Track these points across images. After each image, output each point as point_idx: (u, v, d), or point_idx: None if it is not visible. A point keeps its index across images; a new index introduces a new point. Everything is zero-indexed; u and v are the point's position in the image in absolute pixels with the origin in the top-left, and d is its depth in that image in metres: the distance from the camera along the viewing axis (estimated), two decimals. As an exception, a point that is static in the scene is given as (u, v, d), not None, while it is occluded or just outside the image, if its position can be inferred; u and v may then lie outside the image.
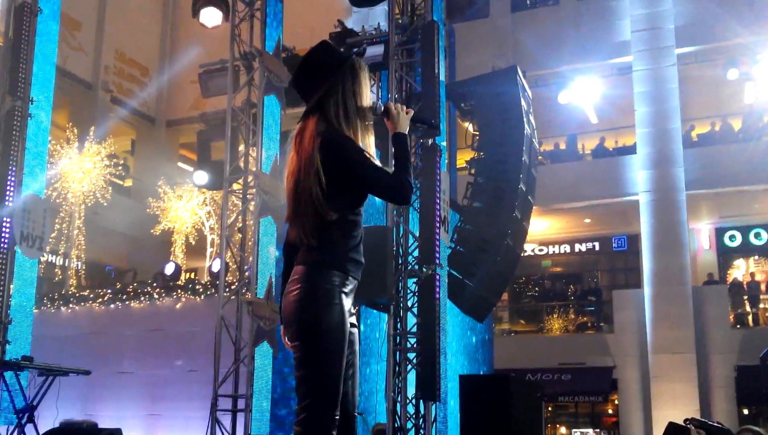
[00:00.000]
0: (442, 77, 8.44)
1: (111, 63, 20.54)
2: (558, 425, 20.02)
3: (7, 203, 7.91)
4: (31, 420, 6.94)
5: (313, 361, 2.68)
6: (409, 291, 8.31)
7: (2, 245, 7.78)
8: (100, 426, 8.20)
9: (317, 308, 2.69)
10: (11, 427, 7.32)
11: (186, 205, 17.03)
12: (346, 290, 2.77)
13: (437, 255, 8.05)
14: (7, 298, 7.73)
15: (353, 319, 2.89)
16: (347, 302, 2.78)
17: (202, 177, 9.89)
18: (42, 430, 6.57)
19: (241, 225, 9.37)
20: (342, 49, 3.05)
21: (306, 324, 2.69)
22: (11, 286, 7.80)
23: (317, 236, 2.77)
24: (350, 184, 2.78)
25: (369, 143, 2.92)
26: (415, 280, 8.28)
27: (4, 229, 7.85)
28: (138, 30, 21.39)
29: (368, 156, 2.81)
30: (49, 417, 7.72)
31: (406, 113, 2.93)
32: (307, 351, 2.69)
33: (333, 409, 2.68)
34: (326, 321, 2.68)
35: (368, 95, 2.92)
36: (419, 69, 8.53)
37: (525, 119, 9.85)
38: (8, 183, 7.97)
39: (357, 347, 2.92)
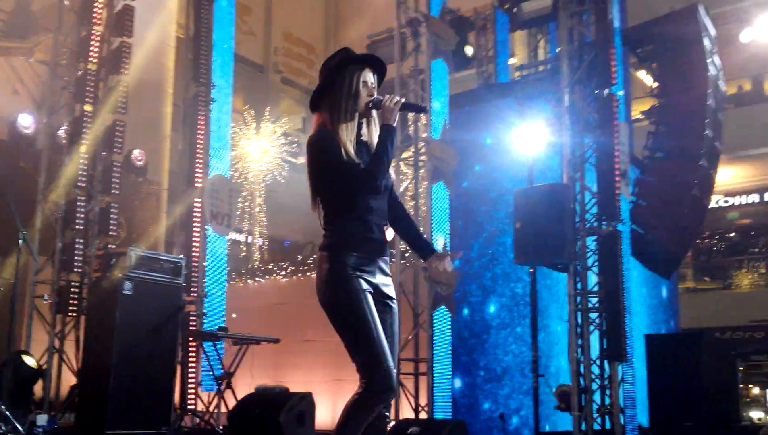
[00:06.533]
0: (616, 23, 8.02)
1: (280, 44, 21.27)
2: (751, 386, 18.92)
3: (197, 185, 8.40)
4: (229, 386, 7.36)
5: (347, 332, 3.03)
6: (588, 249, 8.04)
7: (195, 224, 8.29)
8: (292, 391, 8.58)
9: (332, 287, 3.04)
10: (212, 393, 7.83)
11: (358, 177, 17.36)
12: (363, 268, 3.06)
13: (618, 210, 7.73)
14: (202, 273, 8.24)
15: (390, 290, 3.17)
16: (368, 277, 3.07)
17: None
18: (240, 396, 6.96)
19: (413, 192, 9.43)
20: (354, 56, 3.26)
21: (328, 303, 3.06)
22: (205, 263, 8.31)
23: (328, 222, 3.13)
24: (334, 178, 3.08)
25: (354, 137, 3.13)
26: (594, 237, 7.99)
27: (195, 209, 8.36)
28: (303, 9, 21.98)
29: (341, 152, 3.05)
30: (245, 384, 8.16)
31: (395, 103, 3.12)
32: (338, 326, 3.05)
33: (383, 363, 2.96)
34: (342, 297, 3.02)
35: (360, 95, 3.15)
36: (590, 17, 8.15)
37: (709, 60, 9.19)
38: (197, 165, 8.46)
39: (396, 315, 3.19)
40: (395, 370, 3.00)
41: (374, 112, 3.21)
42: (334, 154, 3.05)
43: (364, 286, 3.04)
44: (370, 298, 3.04)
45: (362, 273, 3.06)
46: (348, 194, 3.09)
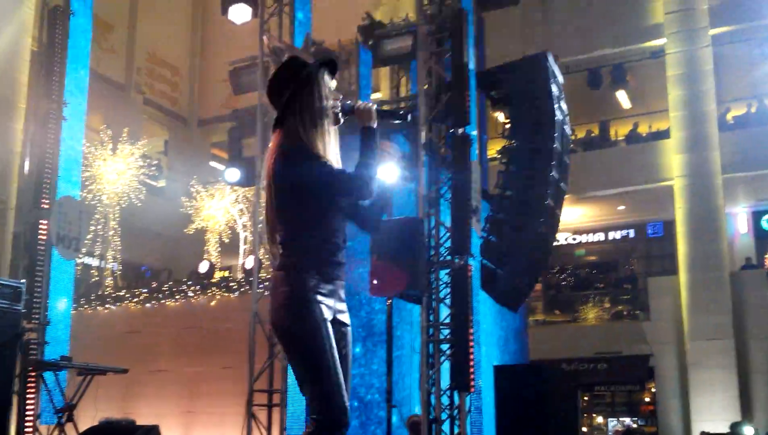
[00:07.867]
0: (471, 66, 8.38)
1: (143, 64, 20.74)
2: (594, 414, 19.89)
3: (43, 205, 8.01)
4: (70, 419, 7.03)
5: (302, 363, 2.81)
6: (441, 282, 8.28)
7: (40, 247, 7.89)
8: (138, 423, 8.28)
9: (294, 312, 2.80)
10: (52, 426, 7.44)
11: (219, 204, 17.14)
12: (323, 291, 2.85)
13: (469, 245, 8.01)
14: (45, 299, 7.84)
15: (345, 317, 3.00)
16: (328, 301, 2.87)
17: (234, 174, 9.90)
18: (81, 429, 6.65)
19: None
20: (308, 62, 3.11)
21: (285, 329, 2.82)
22: (48, 288, 7.91)
23: (289, 240, 2.89)
24: (313, 191, 2.88)
25: (331, 147, 2.98)
26: (447, 271, 8.24)
27: (40, 231, 7.96)
28: (168, 31, 21.57)
29: (325, 161, 2.90)
30: (88, 416, 7.81)
31: (370, 106, 2.99)
32: (293, 354, 2.83)
33: (338, 398, 2.77)
34: (301, 325, 2.79)
35: (329, 101, 2.98)
36: (449, 59, 8.48)
37: (556, 105, 9.72)
38: (44, 185, 8.07)
39: (350, 342, 3.03)
40: (348, 404, 2.81)
41: (333, 126, 3.00)
42: (316, 161, 2.86)
43: (325, 313, 2.84)
44: (330, 327, 2.83)
45: (323, 297, 2.84)
46: (325, 205, 2.88)
